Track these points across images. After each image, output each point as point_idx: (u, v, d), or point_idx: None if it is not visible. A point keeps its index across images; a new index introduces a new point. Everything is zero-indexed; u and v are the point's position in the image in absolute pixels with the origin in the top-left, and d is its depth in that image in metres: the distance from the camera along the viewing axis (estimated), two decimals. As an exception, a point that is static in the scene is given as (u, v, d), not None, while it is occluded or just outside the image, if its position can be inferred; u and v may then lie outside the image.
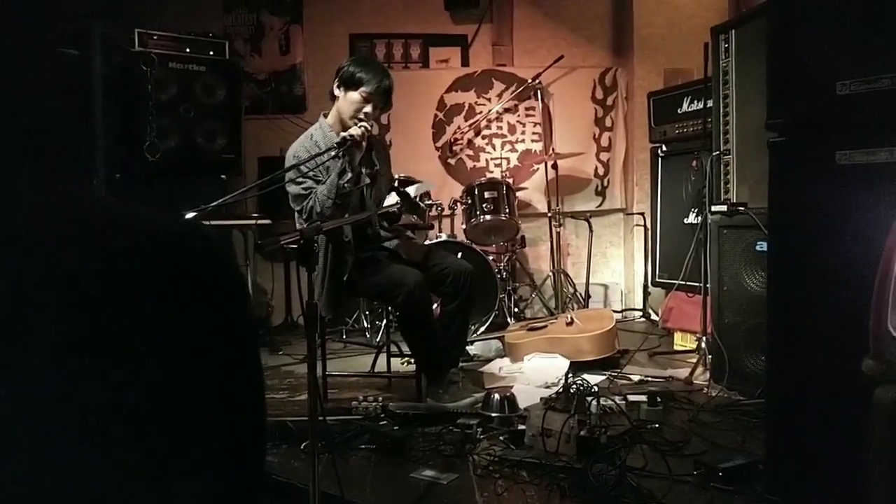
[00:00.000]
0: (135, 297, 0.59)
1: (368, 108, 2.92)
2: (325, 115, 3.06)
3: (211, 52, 4.56)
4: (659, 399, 2.79)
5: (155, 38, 4.37)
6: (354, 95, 2.91)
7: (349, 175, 2.81)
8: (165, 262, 0.62)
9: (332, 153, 2.79)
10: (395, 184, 4.11)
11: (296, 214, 2.95)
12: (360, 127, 2.82)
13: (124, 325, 0.58)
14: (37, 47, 0.66)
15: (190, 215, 2.37)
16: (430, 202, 4.56)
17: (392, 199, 2.98)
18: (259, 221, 4.47)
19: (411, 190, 3.00)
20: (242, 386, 0.68)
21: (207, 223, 3.79)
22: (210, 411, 0.63)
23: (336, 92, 2.98)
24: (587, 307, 5.08)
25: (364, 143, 2.87)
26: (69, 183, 0.67)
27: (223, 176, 4.58)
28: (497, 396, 2.74)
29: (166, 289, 0.61)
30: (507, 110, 5.44)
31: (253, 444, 0.70)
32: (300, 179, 2.85)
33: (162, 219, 0.67)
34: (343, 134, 2.82)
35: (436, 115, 5.45)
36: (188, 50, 4.46)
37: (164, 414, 0.59)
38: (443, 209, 4.75)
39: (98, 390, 0.56)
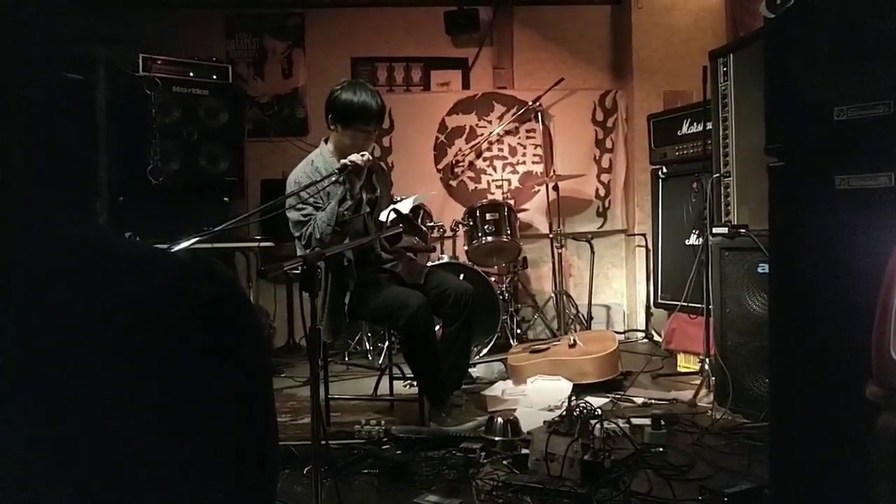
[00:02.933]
0: (149, 338, 0.59)
1: (369, 139, 2.94)
2: (326, 141, 3.06)
3: (214, 76, 4.61)
4: (663, 422, 2.77)
5: (159, 62, 4.43)
6: (351, 130, 2.89)
7: (349, 203, 2.80)
8: (180, 303, 0.62)
9: (333, 179, 2.79)
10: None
11: (295, 240, 2.95)
12: (361, 154, 2.81)
13: (138, 365, 0.58)
14: (41, 72, 0.67)
15: (189, 242, 2.38)
16: (431, 224, 4.58)
17: (384, 213, 2.95)
18: (262, 244, 4.48)
19: (408, 203, 2.97)
20: (256, 423, 0.68)
21: (211, 246, 3.81)
22: (225, 447, 0.63)
23: (331, 125, 2.97)
24: (589, 328, 5.07)
25: (365, 171, 2.86)
26: (76, 214, 0.68)
27: (226, 198, 4.60)
28: (500, 420, 2.73)
29: (181, 329, 0.61)
30: (507, 132, 5.48)
31: (266, 480, 0.70)
32: (300, 206, 2.85)
33: (175, 258, 0.68)
34: (344, 161, 2.80)
35: (437, 138, 5.49)
36: (192, 74, 4.51)
37: (178, 449, 0.59)
38: (444, 231, 4.76)
39: (107, 426, 0.56)
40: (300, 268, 1.83)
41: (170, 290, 0.62)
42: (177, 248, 2.36)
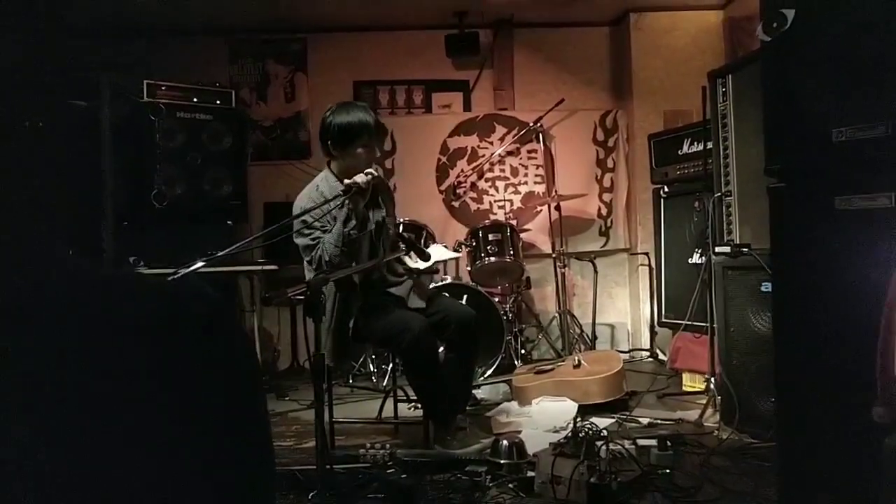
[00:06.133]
0: (142, 362, 0.60)
1: (372, 154, 2.97)
2: (330, 164, 3.07)
3: (217, 101, 4.65)
4: (669, 443, 2.76)
5: (163, 88, 4.47)
6: (356, 151, 2.92)
7: (354, 222, 2.81)
8: (171, 328, 0.63)
9: (338, 202, 2.80)
10: (400, 227, 4.16)
11: (305, 263, 2.96)
12: (366, 174, 2.83)
13: (132, 387, 0.59)
14: (48, 100, 0.68)
15: (194, 267, 2.38)
16: (434, 245, 4.59)
17: (441, 253, 2.95)
18: (265, 267, 4.49)
19: (440, 252, 2.98)
20: (250, 439, 0.69)
21: (214, 270, 3.82)
22: (219, 462, 0.64)
23: (333, 152, 2.97)
24: (594, 348, 5.06)
25: (369, 190, 2.87)
26: (76, 243, 0.69)
27: (230, 222, 4.63)
28: (505, 443, 2.72)
29: (172, 352, 0.62)
30: (509, 153, 5.51)
31: (261, 493, 0.71)
32: (307, 231, 2.86)
33: (165, 284, 0.69)
34: (347, 181, 2.81)
35: (439, 159, 5.53)
36: (195, 99, 4.55)
37: (175, 470, 0.60)
38: (447, 252, 4.77)
39: (104, 445, 0.57)
40: (304, 293, 1.84)
41: (160, 316, 0.63)
42: (181, 272, 2.37)
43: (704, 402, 3.41)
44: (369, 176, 2.81)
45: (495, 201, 5.52)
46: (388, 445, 2.78)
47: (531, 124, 5.33)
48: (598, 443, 2.52)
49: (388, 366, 4.25)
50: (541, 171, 5.50)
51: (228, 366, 0.67)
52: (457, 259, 4.88)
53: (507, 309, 4.71)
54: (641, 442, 2.90)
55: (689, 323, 3.80)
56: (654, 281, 4.73)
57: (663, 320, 4.51)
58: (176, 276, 2.33)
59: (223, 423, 0.65)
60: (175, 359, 0.62)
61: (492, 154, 5.46)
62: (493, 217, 5.33)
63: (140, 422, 0.59)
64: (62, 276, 0.63)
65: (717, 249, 3.20)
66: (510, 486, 2.53)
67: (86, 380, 0.57)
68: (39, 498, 0.54)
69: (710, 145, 3.37)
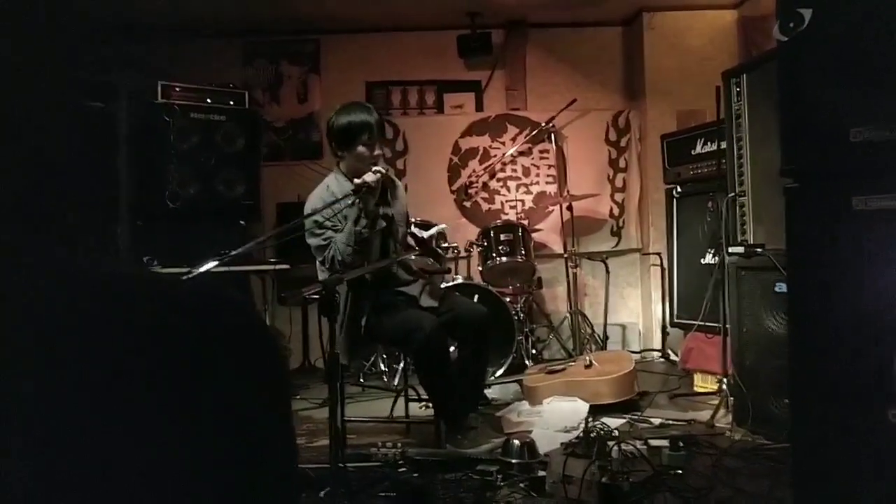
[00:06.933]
0: (166, 364, 0.60)
1: (377, 151, 2.98)
2: (339, 164, 3.10)
3: (231, 102, 4.68)
4: (681, 444, 2.75)
5: (177, 89, 4.51)
6: (358, 150, 2.95)
7: (365, 220, 2.83)
8: (202, 333, 0.63)
9: (348, 201, 2.81)
10: (412, 227, 4.16)
11: (317, 263, 2.97)
12: (375, 173, 2.85)
13: (160, 391, 0.59)
14: (64, 102, 0.69)
15: (207, 266, 2.40)
16: (445, 245, 4.59)
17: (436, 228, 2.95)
18: (277, 266, 4.51)
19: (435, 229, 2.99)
20: (276, 440, 0.69)
21: (227, 269, 3.85)
22: (244, 473, 0.64)
23: (338, 152, 3.03)
24: (605, 348, 5.05)
25: (378, 189, 2.89)
26: (94, 244, 0.70)
27: (242, 222, 4.65)
28: (517, 442, 2.72)
29: (198, 354, 0.62)
30: (521, 153, 5.50)
31: (285, 496, 0.71)
32: (318, 231, 2.88)
33: (186, 286, 0.69)
34: (357, 181, 2.84)
35: (451, 160, 5.53)
36: (209, 100, 4.59)
37: (199, 471, 0.60)
38: (459, 252, 4.77)
39: (123, 451, 0.57)
40: (319, 293, 1.85)
41: (186, 322, 0.63)
42: (195, 272, 2.39)
43: (716, 402, 3.39)
44: (378, 174, 2.83)
45: (507, 201, 5.51)
46: (399, 444, 2.78)
47: (543, 124, 5.33)
48: (610, 443, 2.52)
49: (399, 365, 4.25)
50: (553, 172, 5.50)
51: (256, 371, 0.68)
52: (467, 257, 4.89)
53: (519, 309, 4.71)
54: (653, 442, 2.89)
55: (702, 323, 3.78)
56: (666, 281, 4.71)
57: (675, 320, 4.49)
58: (191, 276, 2.35)
59: (249, 428, 0.66)
60: (202, 363, 0.63)
61: (504, 154, 5.45)
62: (504, 217, 5.33)
63: (163, 427, 0.59)
64: (83, 278, 0.63)
65: (731, 249, 3.19)
66: (521, 485, 2.53)
67: (106, 384, 0.58)
68: (41, 500, 0.55)
69: (723, 145, 3.35)
